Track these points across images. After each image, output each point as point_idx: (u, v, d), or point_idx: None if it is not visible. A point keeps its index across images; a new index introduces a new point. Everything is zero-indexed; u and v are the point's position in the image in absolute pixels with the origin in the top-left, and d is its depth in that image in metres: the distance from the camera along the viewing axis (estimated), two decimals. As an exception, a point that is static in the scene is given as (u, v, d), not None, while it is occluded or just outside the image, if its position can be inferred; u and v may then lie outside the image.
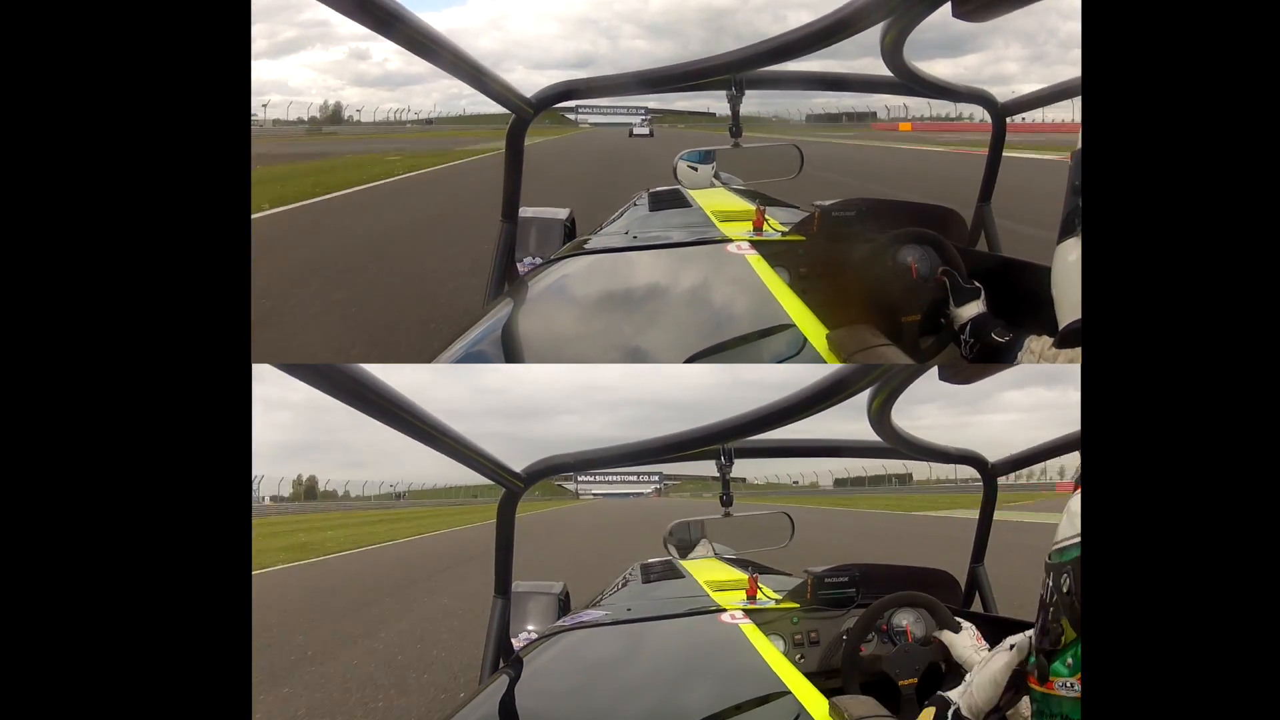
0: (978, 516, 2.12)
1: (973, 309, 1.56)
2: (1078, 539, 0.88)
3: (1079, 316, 0.89)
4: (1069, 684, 0.90)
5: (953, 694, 1.24)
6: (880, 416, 1.34)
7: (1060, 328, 0.96)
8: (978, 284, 1.60)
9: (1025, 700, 1.36)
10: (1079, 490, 0.90)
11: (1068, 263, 0.92)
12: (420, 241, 8.09)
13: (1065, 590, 0.89)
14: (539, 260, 1.99)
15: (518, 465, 1.57)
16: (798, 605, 1.84)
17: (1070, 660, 0.89)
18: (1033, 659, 0.96)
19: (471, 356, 1.28)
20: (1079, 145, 0.90)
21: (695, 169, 1.94)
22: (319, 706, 3.99)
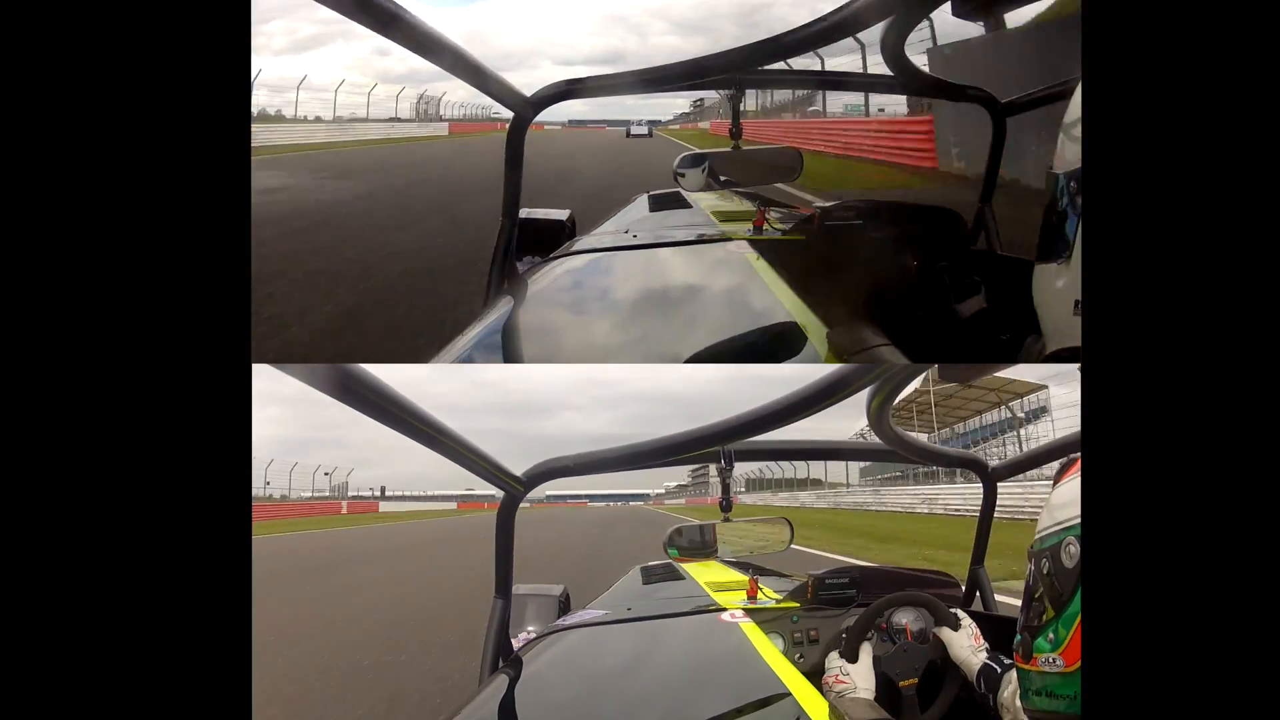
0: (978, 521, 2.12)
1: (974, 305, 1.56)
2: (1056, 527, 0.94)
3: (1065, 344, 0.89)
4: (1051, 659, 0.93)
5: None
6: (879, 417, 1.33)
7: (1048, 350, 0.96)
8: (978, 279, 1.59)
9: (1017, 685, 1.38)
10: (1058, 485, 0.97)
11: (1054, 289, 0.90)
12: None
13: (1045, 572, 0.94)
14: (538, 260, 1.98)
15: (519, 465, 1.57)
16: (798, 605, 1.84)
17: (1051, 636, 0.93)
18: (1019, 637, 1.00)
19: (471, 356, 1.28)
20: (1054, 167, 0.89)
21: (684, 174, 1.94)
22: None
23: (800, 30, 1.43)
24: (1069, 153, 0.86)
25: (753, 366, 1.21)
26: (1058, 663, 0.92)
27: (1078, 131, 0.85)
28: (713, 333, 1.31)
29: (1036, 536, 0.97)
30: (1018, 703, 1.38)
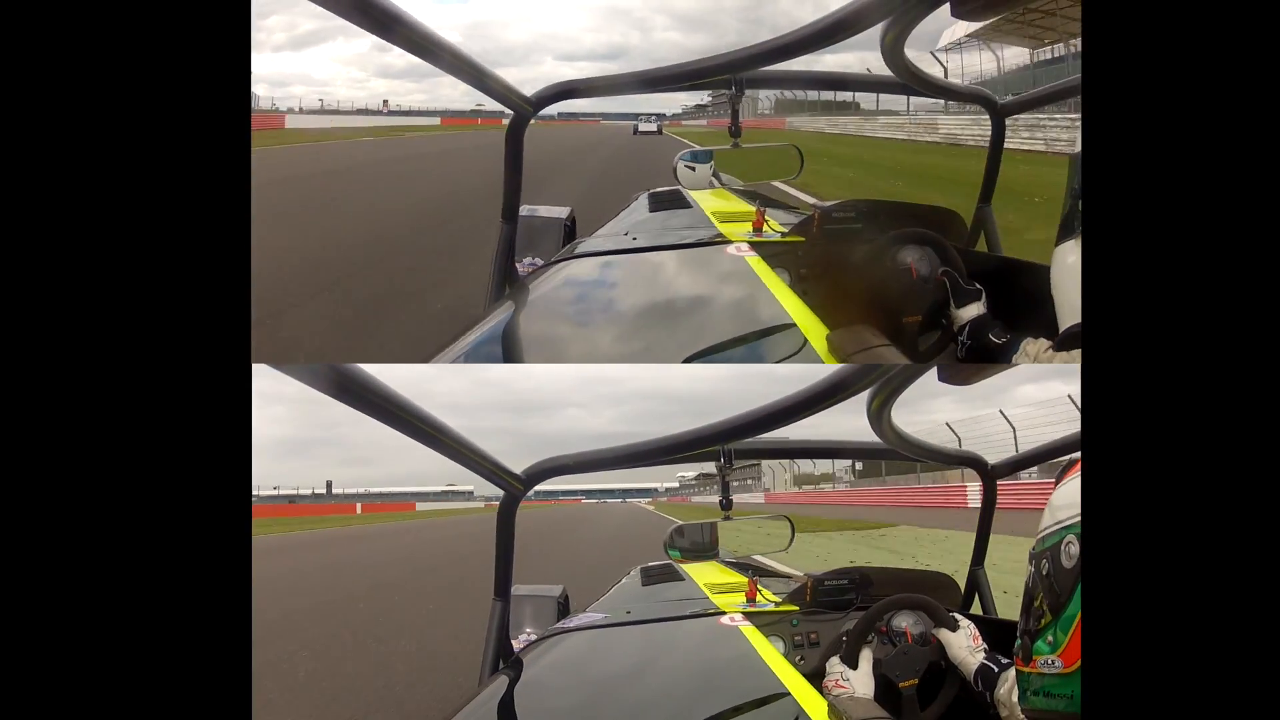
0: (978, 520, 2.12)
1: (972, 310, 1.56)
2: (1056, 526, 0.94)
3: (1078, 320, 0.90)
4: (1050, 661, 0.94)
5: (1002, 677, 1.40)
6: (880, 417, 1.34)
7: (1060, 330, 0.97)
8: (978, 285, 1.59)
9: (1012, 683, 1.38)
10: (1059, 485, 0.97)
11: (1067, 264, 0.92)
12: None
13: (1045, 574, 0.94)
14: (539, 261, 1.99)
15: (524, 462, 1.57)
16: (797, 608, 1.84)
17: (1051, 638, 0.94)
18: (1019, 641, 1.01)
19: (472, 357, 1.28)
20: (1078, 148, 0.90)
21: (693, 169, 1.94)
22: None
23: (801, 30, 1.43)
24: None
25: (757, 366, 1.21)
26: (1056, 664, 0.93)
27: None
28: (712, 334, 1.31)
29: (1037, 537, 0.98)
30: (1014, 698, 1.39)
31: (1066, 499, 0.94)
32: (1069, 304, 0.94)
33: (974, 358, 1.52)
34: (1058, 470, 1.02)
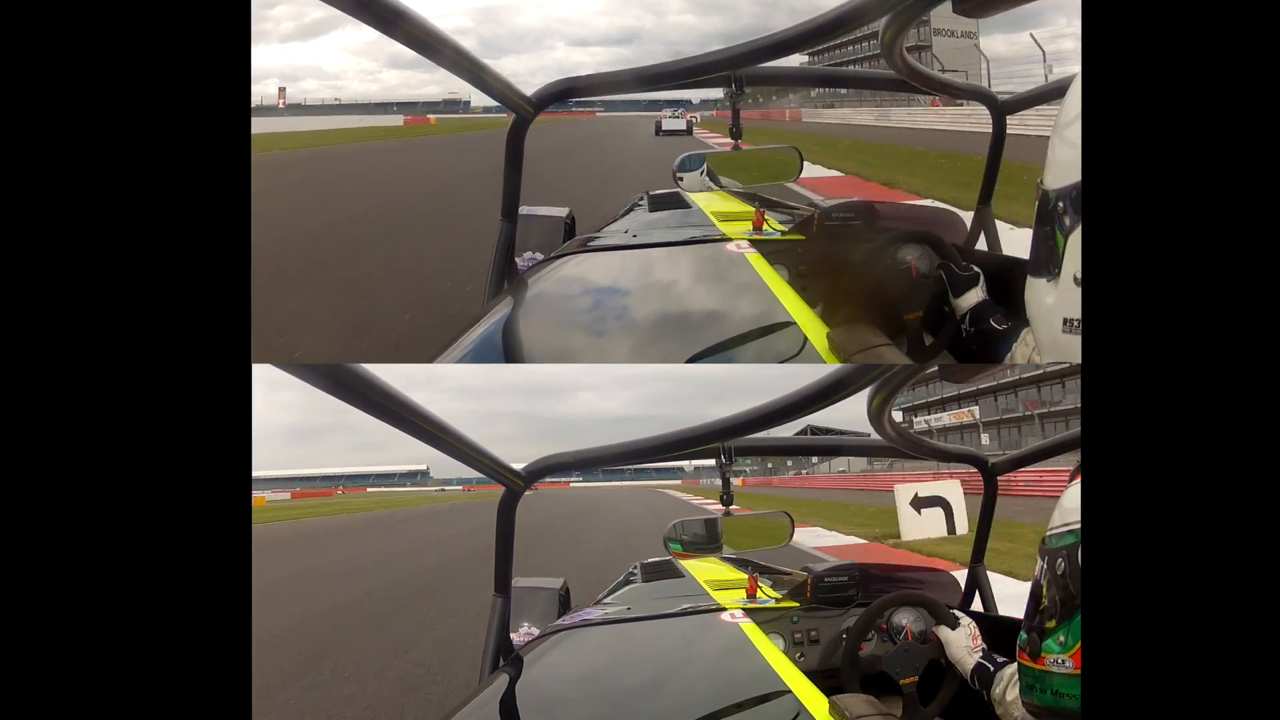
0: (978, 517, 2.12)
1: (973, 297, 1.56)
2: (1071, 526, 0.94)
3: (1059, 358, 0.89)
4: (1060, 660, 0.94)
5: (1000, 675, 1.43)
6: (880, 415, 1.34)
7: (1044, 361, 0.96)
8: (975, 268, 1.59)
9: (1014, 679, 1.39)
10: (1072, 484, 0.97)
11: (1045, 305, 0.90)
12: None
13: (1060, 573, 0.95)
14: (538, 257, 1.98)
15: (538, 447, 1.57)
16: (797, 604, 1.85)
17: (1063, 638, 0.94)
18: (1024, 635, 1.01)
19: (472, 355, 1.28)
20: (1045, 180, 0.88)
21: (682, 177, 1.94)
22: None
23: (801, 26, 1.43)
24: (1062, 156, 0.85)
25: (758, 365, 1.22)
26: (1067, 664, 0.94)
27: (1069, 134, 0.84)
28: (714, 331, 1.31)
29: (1049, 534, 0.98)
30: (1008, 698, 1.40)
31: (1077, 501, 0.94)
32: (1049, 343, 0.92)
33: (979, 343, 1.52)
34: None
